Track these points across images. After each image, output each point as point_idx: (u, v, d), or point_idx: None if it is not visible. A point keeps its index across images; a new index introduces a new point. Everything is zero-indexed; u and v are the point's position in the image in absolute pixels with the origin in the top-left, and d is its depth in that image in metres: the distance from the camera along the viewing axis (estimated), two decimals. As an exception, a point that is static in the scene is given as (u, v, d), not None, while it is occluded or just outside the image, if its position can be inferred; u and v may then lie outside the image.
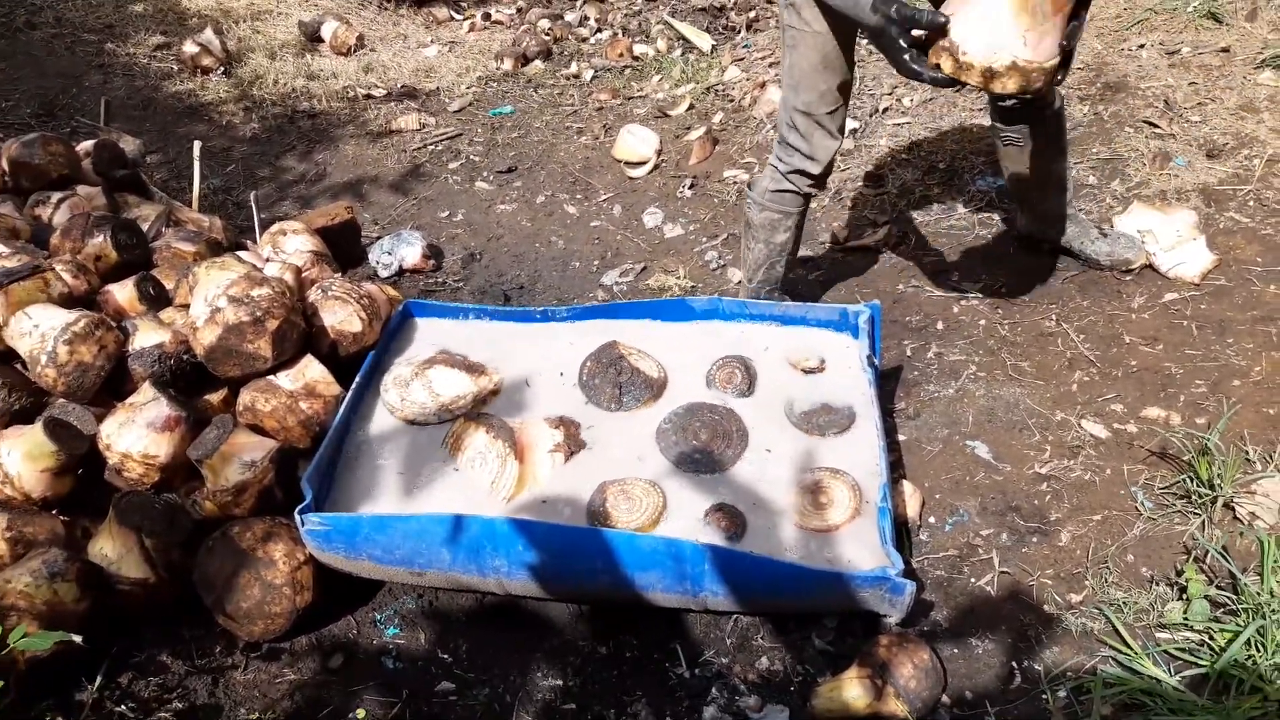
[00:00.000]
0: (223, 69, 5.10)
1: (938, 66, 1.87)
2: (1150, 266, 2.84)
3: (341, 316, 2.43)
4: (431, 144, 4.50)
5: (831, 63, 2.35)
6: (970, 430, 2.46)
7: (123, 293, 2.48)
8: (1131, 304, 2.76)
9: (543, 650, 2.08)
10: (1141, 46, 3.90)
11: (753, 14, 5.33)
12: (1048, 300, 2.84)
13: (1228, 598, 1.91)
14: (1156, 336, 2.63)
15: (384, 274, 3.49)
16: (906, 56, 1.90)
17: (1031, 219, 2.92)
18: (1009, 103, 2.52)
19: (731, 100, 4.43)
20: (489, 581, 2.03)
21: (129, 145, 3.61)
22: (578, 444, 2.26)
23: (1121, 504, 2.20)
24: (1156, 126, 3.42)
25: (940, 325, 2.84)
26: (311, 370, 2.31)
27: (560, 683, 2.00)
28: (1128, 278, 2.84)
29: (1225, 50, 3.75)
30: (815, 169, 2.51)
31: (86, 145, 3.35)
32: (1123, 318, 2.72)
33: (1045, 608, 2.02)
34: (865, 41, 4.32)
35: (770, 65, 4.57)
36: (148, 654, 2.06)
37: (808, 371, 2.40)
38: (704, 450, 2.20)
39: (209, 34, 5.15)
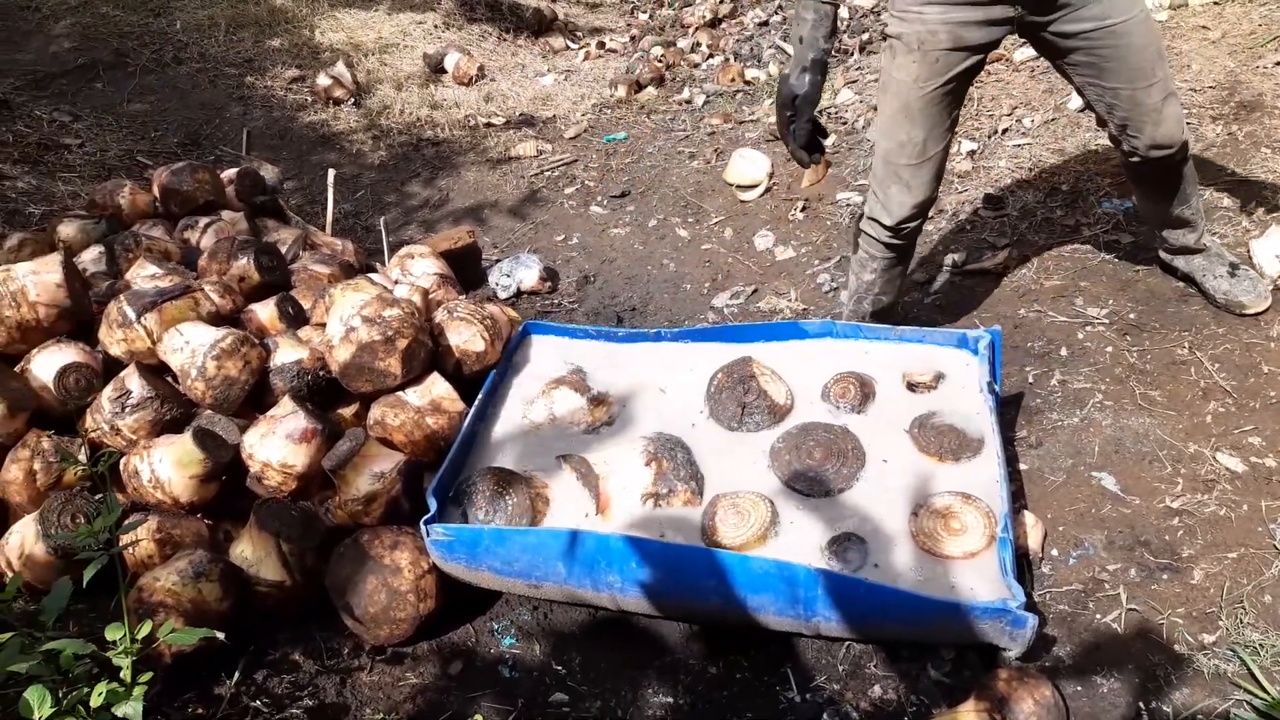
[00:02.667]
0: (353, 100, 5.35)
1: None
2: None
3: (466, 336, 2.52)
4: (548, 170, 4.62)
5: (913, 114, 2.30)
6: (1096, 461, 2.38)
7: (264, 312, 2.63)
8: (1270, 332, 2.63)
9: (654, 667, 2.10)
10: (1278, 64, 3.74)
11: (865, 36, 5.31)
12: (1180, 327, 2.73)
13: (1377, 644, 1.81)
14: (1298, 366, 2.51)
15: (502, 295, 3.60)
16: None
17: (1163, 249, 2.83)
18: (1134, 159, 2.46)
19: (845, 123, 4.42)
20: (603, 597, 2.07)
21: (268, 173, 3.84)
22: (683, 475, 2.26)
23: (1259, 541, 2.11)
24: (1298, 147, 3.27)
25: (1064, 351, 2.77)
26: (438, 387, 2.40)
27: (671, 700, 2.03)
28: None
29: (1373, 66, 3.56)
30: (887, 220, 2.46)
31: (230, 173, 3.57)
32: (1260, 346, 2.59)
33: (1175, 647, 1.94)
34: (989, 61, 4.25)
35: (885, 88, 4.54)
36: (282, 653, 2.16)
37: (918, 386, 2.38)
38: (818, 469, 2.20)
39: (340, 67, 5.42)
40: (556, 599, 2.19)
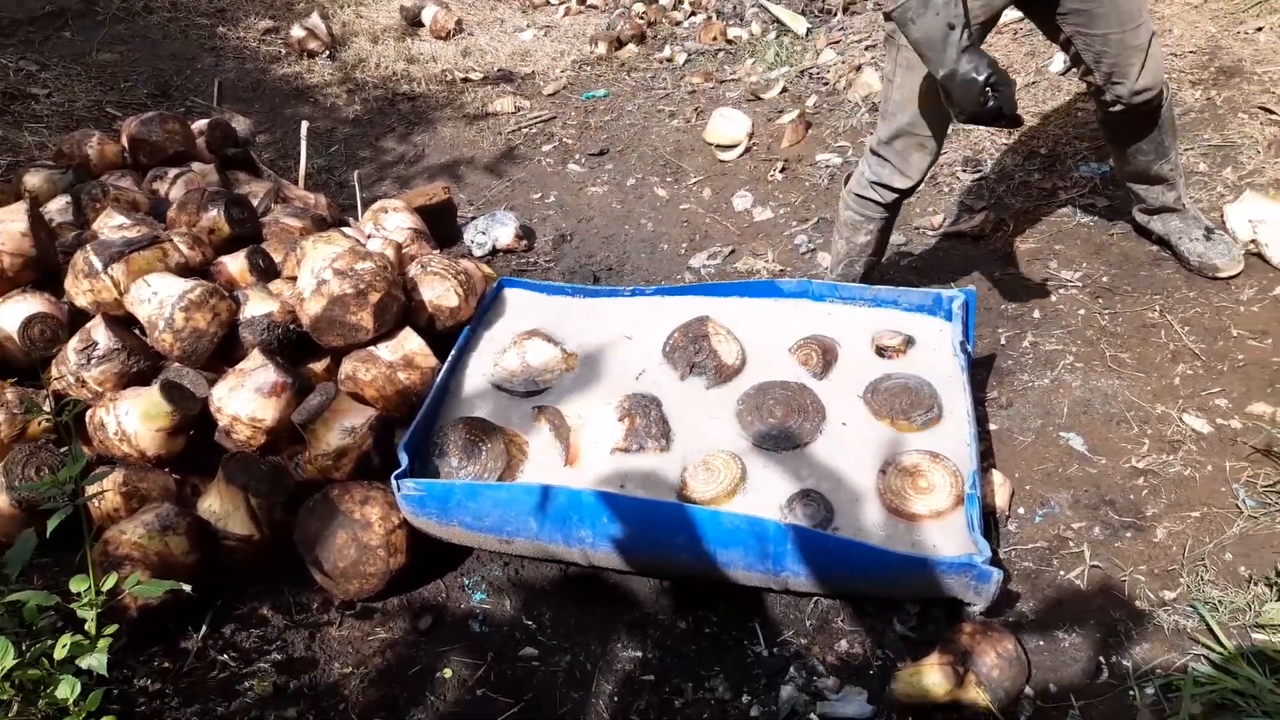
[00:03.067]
0: (328, 53, 5.27)
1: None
2: (1260, 257, 2.73)
3: (439, 291, 2.50)
4: (526, 127, 4.57)
5: None
6: (1065, 421, 2.40)
7: (234, 264, 2.60)
8: (1240, 296, 2.65)
9: (623, 622, 2.12)
10: (1259, 29, 3.73)
11: (850, -3, 5.26)
12: (1151, 291, 2.75)
13: (1332, 601, 1.85)
14: (1266, 330, 2.52)
15: (478, 253, 3.57)
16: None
17: (1141, 210, 2.83)
18: (1116, 108, 2.46)
19: (826, 84, 4.38)
20: (574, 552, 2.08)
21: (240, 125, 3.77)
22: (648, 428, 2.27)
23: (1222, 501, 2.13)
24: (1273, 113, 3.27)
25: (1037, 314, 2.78)
26: (410, 342, 2.38)
27: (640, 654, 2.04)
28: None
29: (1353, 33, 3.56)
30: (904, 184, 2.49)
31: (200, 124, 3.51)
32: (1230, 310, 2.62)
33: (1136, 603, 1.97)
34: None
35: (867, 49, 4.51)
36: (250, 607, 2.16)
37: (886, 349, 2.40)
38: (781, 426, 2.21)
39: (315, 19, 5.32)
40: (528, 554, 2.20)
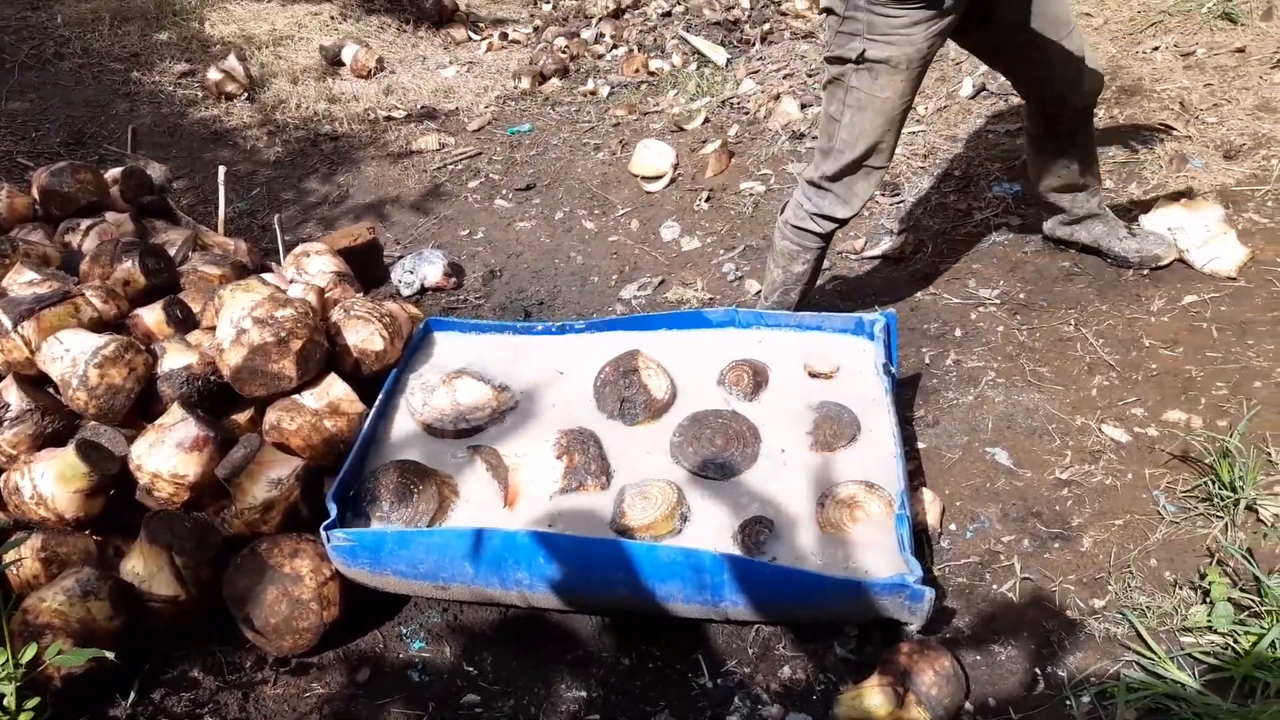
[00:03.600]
0: (247, 94, 5.19)
1: None
2: (1183, 263, 2.84)
3: (364, 335, 2.47)
4: (451, 163, 4.56)
5: (894, 123, 2.39)
6: (990, 437, 2.46)
7: (151, 316, 2.53)
8: (1151, 307, 2.75)
9: (566, 662, 2.10)
10: (1156, 49, 3.90)
11: (767, 26, 5.36)
12: (1066, 305, 2.83)
13: (1251, 600, 1.90)
14: (1176, 339, 2.62)
15: (406, 292, 3.54)
16: None
17: (1065, 221, 2.93)
18: (1062, 122, 2.58)
19: (747, 113, 4.45)
20: (512, 594, 2.06)
21: (156, 171, 3.70)
22: (588, 465, 2.26)
23: (1144, 508, 2.20)
24: (1172, 129, 3.41)
25: (958, 332, 2.85)
26: (335, 389, 2.35)
27: (584, 694, 2.02)
28: (1148, 278, 2.83)
29: (1241, 50, 3.74)
30: (846, 213, 2.54)
31: (114, 172, 3.43)
32: (1142, 321, 2.71)
33: (1068, 613, 2.01)
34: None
35: (785, 78, 4.60)
36: (180, 670, 2.10)
37: (818, 375, 2.43)
38: (722, 454, 2.23)
39: (232, 60, 5.24)
40: (465, 599, 2.17)
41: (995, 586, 2.09)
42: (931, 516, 2.22)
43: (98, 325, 2.43)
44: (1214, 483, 2.15)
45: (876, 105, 2.33)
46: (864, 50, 2.26)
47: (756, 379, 2.42)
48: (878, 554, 1.98)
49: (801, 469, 2.21)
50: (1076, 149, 2.70)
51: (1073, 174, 2.76)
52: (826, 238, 2.63)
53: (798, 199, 2.60)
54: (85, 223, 3.05)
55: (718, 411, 2.34)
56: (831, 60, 2.35)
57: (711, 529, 2.10)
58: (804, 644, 2.05)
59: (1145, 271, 2.85)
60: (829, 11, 2.31)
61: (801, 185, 2.59)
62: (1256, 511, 2.07)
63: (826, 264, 3.31)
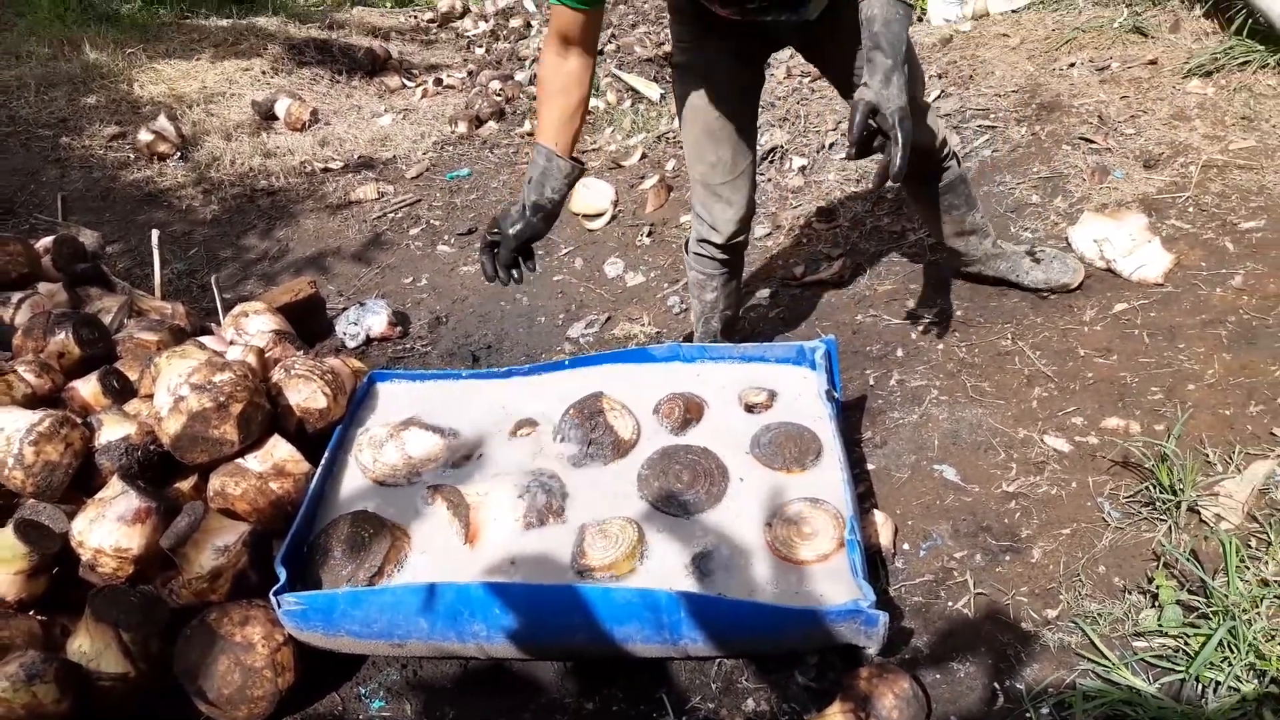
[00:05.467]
0: (179, 154, 5.15)
1: None
2: (1111, 272, 2.91)
3: (306, 394, 2.44)
4: (391, 212, 4.55)
5: (715, 133, 2.39)
6: (937, 454, 2.49)
7: (87, 388, 2.49)
8: (1083, 317, 2.82)
9: (530, 710, 2.07)
10: (1072, 65, 4.03)
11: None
12: (1002, 320, 2.89)
13: (1199, 601, 1.94)
14: (1110, 347, 2.68)
15: (351, 344, 3.51)
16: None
17: (967, 263, 2.96)
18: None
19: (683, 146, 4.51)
20: (469, 647, 2.03)
21: (88, 238, 3.64)
22: (549, 503, 2.26)
23: (1089, 516, 2.24)
24: (1092, 142, 3.52)
25: (900, 352, 2.89)
26: (279, 450, 2.32)
27: (549, 743, 2.00)
28: (1078, 289, 2.90)
29: (1153, 62, 3.88)
30: (718, 239, 2.56)
31: (45, 242, 3.37)
32: (1076, 331, 2.77)
33: (1023, 625, 2.03)
34: (810, 80, 4.43)
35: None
36: (132, 750, 2.04)
37: (753, 407, 2.45)
38: (686, 491, 2.23)
39: (163, 120, 5.20)
40: (423, 654, 2.14)
41: (951, 604, 2.11)
42: (884, 538, 2.24)
43: (32, 401, 2.38)
44: (1155, 487, 2.20)
45: (689, 114, 2.39)
46: (671, 54, 2.38)
47: (687, 414, 2.43)
48: (831, 580, 1.99)
49: (756, 496, 2.22)
50: (953, 196, 2.70)
51: (957, 219, 2.76)
52: (725, 264, 2.65)
53: (691, 227, 2.66)
54: (16, 296, 2.98)
55: (689, 447, 2.34)
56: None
57: (668, 565, 2.10)
58: (766, 675, 2.05)
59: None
60: None
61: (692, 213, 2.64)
62: (1198, 513, 2.12)
63: (769, 290, 3.35)
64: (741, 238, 2.59)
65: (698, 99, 2.35)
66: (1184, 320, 2.71)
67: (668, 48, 5.68)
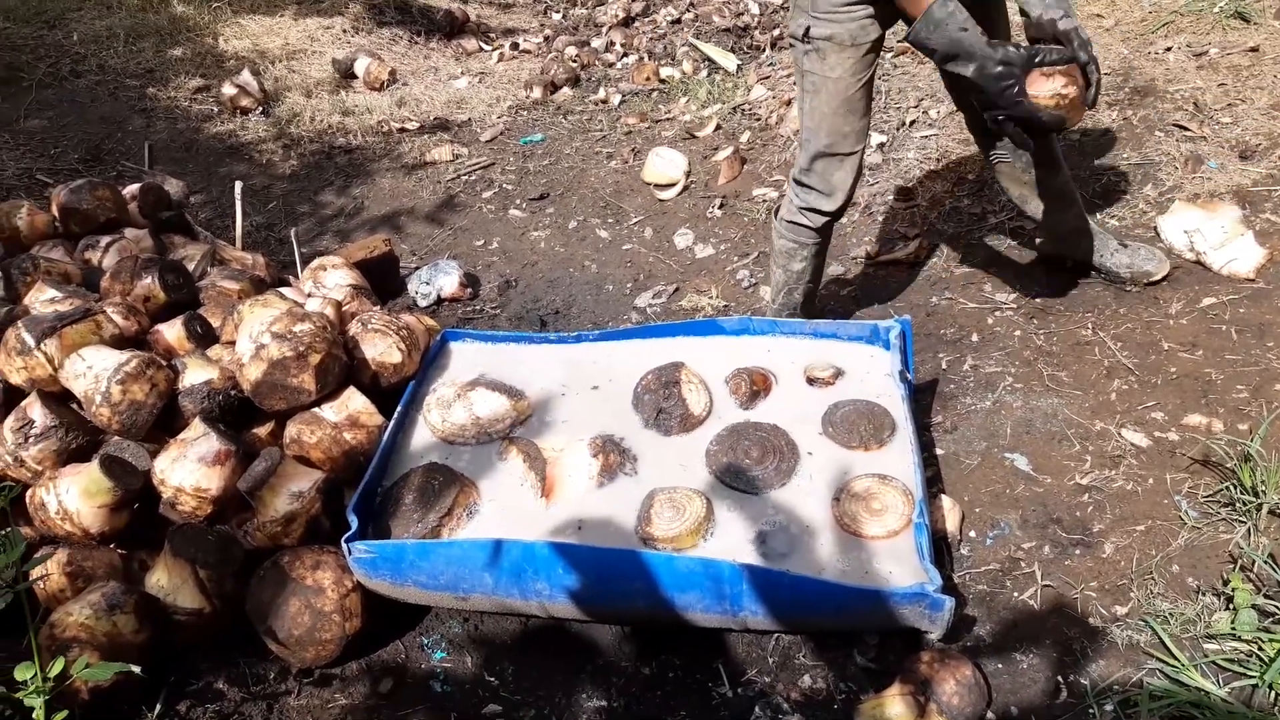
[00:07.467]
0: (261, 109, 5.23)
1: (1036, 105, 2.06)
2: (1201, 264, 2.82)
3: (381, 348, 2.49)
4: (465, 174, 4.58)
5: (855, 105, 2.40)
6: (1009, 442, 2.45)
7: (171, 332, 2.56)
8: (1169, 310, 2.74)
9: (587, 672, 2.10)
10: (1169, 49, 3.88)
11: (777, 32, 5.37)
12: (1083, 309, 2.83)
13: (1276, 607, 1.89)
14: (1195, 342, 2.60)
15: (422, 304, 3.56)
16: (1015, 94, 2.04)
17: (1049, 238, 2.91)
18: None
19: (758, 119, 4.46)
20: (531, 605, 2.06)
21: (173, 187, 3.73)
22: (622, 465, 2.27)
23: (1165, 514, 2.19)
24: (1187, 129, 3.40)
25: (975, 337, 2.84)
26: (354, 402, 2.36)
27: (604, 703, 2.03)
28: (1165, 281, 2.81)
29: (1254, 50, 3.72)
30: (830, 206, 2.55)
31: (132, 189, 3.46)
32: (1160, 324, 2.70)
33: (1090, 620, 2.00)
34: (891, 55, 4.34)
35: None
36: (204, 682, 2.11)
37: (817, 381, 2.43)
38: (755, 467, 2.22)
39: (246, 75, 5.29)
40: (486, 609, 2.18)
41: (1016, 594, 2.09)
42: (951, 523, 2.22)
43: (119, 342, 2.46)
44: (1236, 487, 2.14)
45: (829, 87, 2.36)
46: (809, 27, 2.32)
47: (753, 387, 2.42)
48: (896, 562, 1.98)
49: (822, 471, 2.21)
50: (1042, 165, 2.65)
51: (1051, 181, 2.70)
52: (820, 232, 2.64)
53: (789, 195, 2.64)
54: (105, 239, 3.08)
55: (758, 425, 2.33)
56: (790, 40, 2.41)
57: (732, 543, 2.10)
58: (824, 653, 2.04)
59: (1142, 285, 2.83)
60: None
61: (790, 181, 2.62)
62: (1279, 516, 2.06)
63: (841, 269, 3.31)
64: (848, 205, 2.60)
65: (841, 70, 2.34)
66: (1275, 318, 2.61)
67: (746, 19, 5.61)
